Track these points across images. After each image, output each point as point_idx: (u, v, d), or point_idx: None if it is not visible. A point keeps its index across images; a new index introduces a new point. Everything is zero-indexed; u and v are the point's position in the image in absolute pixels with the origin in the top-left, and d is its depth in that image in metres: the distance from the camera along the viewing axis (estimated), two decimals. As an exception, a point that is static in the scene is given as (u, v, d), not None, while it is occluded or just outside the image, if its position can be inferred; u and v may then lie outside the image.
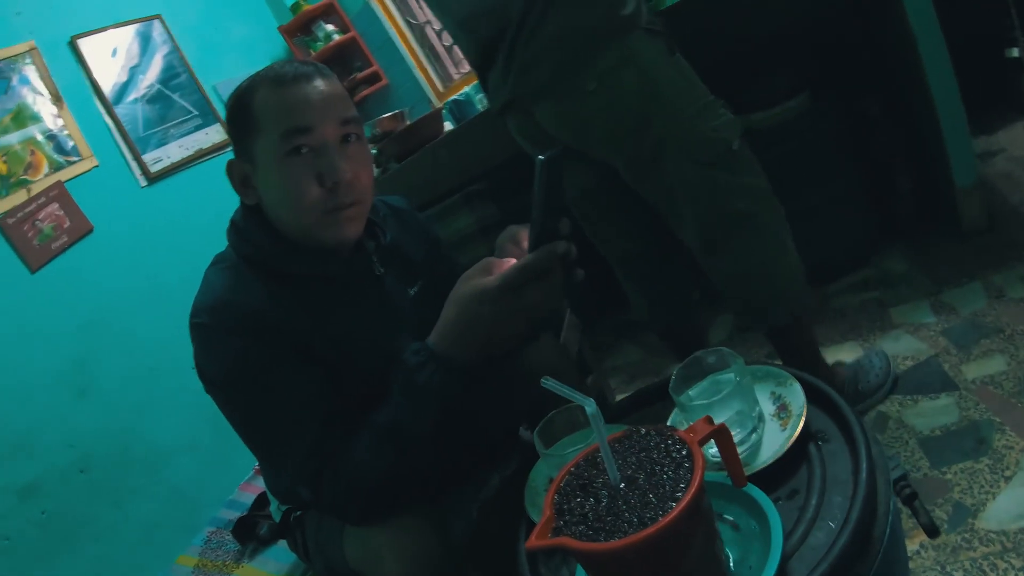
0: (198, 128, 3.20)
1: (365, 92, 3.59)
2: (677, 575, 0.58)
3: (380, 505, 0.94)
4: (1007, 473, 1.28)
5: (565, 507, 0.60)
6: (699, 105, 1.37)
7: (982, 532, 1.20)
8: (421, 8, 3.58)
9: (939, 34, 1.70)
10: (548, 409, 0.92)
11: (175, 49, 3.24)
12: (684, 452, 0.60)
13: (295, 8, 3.58)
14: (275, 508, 1.27)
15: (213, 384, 0.98)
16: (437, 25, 3.58)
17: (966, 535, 1.21)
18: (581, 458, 0.66)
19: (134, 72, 3.06)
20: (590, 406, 0.65)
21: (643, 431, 0.66)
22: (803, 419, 0.78)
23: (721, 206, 1.42)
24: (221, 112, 3.27)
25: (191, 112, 3.20)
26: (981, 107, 2.06)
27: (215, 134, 3.23)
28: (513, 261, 0.84)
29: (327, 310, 1.01)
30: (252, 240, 1.01)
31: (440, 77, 3.64)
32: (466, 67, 3.60)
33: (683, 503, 0.54)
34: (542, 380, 0.71)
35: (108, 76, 2.96)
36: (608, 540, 0.55)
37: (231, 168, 1.01)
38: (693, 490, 0.55)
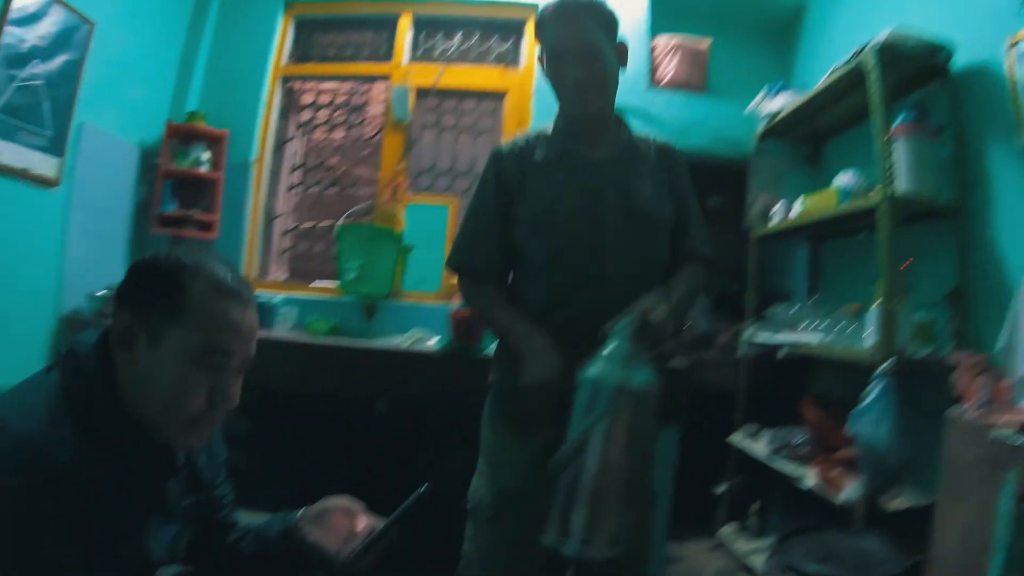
0: (39, 149, 2.59)
1: (191, 232, 3.30)
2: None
3: None
4: None
5: None
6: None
7: None
8: (287, 207, 3.66)
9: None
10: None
11: (81, 63, 2.75)
12: None
13: (191, 116, 3.32)
14: None
15: None
16: (290, 224, 3.66)
17: None
18: None
19: (36, 53, 2.51)
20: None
21: None
22: None
23: None
24: (72, 149, 2.75)
25: (45, 130, 2.62)
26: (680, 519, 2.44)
27: (48, 167, 2.65)
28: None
29: (116, 487, 0.90)
30: (96, 397, 0.90)
31: (260, 266, 3.56)
32: (283, 276, 3.64)
33: None
34: None
35: (14, 37, 2.40)
36: None
37: (119, 319, 0.93)
38: None
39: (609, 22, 1.43)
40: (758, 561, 2.51)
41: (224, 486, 1.17)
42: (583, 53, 1.38)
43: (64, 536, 0.80)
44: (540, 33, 1.44)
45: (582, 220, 1.41)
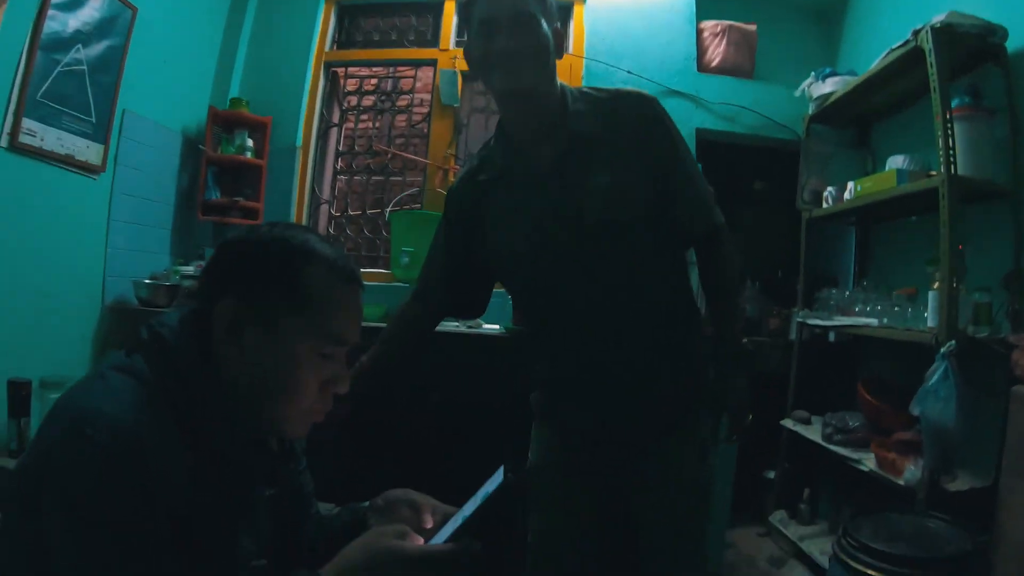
0: (83, 135, 2.58)
1: (236, 220, 3.31)
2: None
3: None
4: None
5: None
6: None
7: None
8: (334, 194, 3.67)
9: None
10: None
11: (124, 48, 2.76)
12: None
13: (234, 103, 3.32)
14: None
15: (71, 511, 0.70)
16: (336, 212, 3.65)
17: None
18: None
19: (79, 38, 2.52)
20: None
21: None
22: None
23: None
24: (115, 135, 2.77)
25: (89, 117, 2.62)
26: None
27: (92, 154, 2.65)
28: (421, 541, 0.86)
29: (216, 486, 0.83)
30: (197, 392, 0.82)
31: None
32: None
33: None
34: None
35: (57, 21, 2.41)
36: None
37: (224, 306, 0.84)
38: None
39: (546, 1, 1.32)
40: (812, 547, 2.49)
41: (304, 475, 1.10)
42: (518, 23, 1.26)
43: (164, 535, 0.73)
44: (467, 9, 1.32)
45: (536, 255, 1.35)
